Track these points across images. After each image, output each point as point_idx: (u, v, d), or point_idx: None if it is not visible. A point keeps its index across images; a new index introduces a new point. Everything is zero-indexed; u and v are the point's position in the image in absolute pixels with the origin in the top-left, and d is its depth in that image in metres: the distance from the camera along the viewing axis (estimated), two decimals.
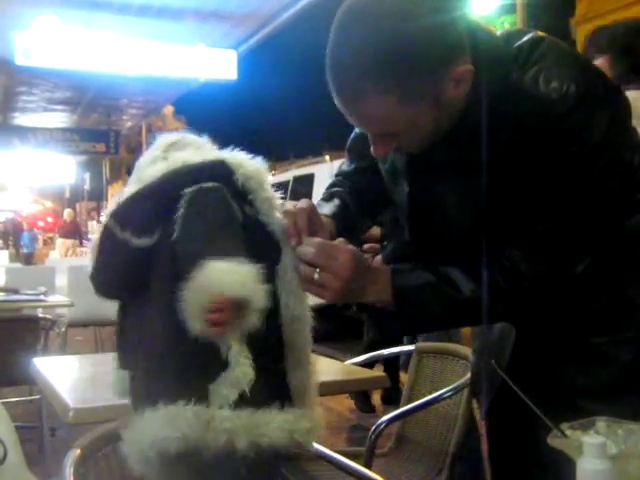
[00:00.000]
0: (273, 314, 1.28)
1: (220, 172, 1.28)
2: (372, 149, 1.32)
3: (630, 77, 2.31)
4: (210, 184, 1.26)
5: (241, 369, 1.21)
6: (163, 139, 1.42)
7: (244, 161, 1.30)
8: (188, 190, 1.25)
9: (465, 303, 1.31)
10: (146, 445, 1.21)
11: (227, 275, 1.16)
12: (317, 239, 1.32)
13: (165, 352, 1.25)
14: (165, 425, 1.19)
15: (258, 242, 1.29)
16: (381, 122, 1.25)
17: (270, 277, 1.27)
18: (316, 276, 1.29)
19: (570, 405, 1.32)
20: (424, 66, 1.19)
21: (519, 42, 1.30)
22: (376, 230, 5.15)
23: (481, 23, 1.31)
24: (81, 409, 1.80)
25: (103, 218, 1.32)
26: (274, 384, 1.28)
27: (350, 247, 1.33)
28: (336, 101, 1.26)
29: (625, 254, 1.35)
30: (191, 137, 1.42)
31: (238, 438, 1.19)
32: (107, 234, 1.29)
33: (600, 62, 2.33)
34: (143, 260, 1.28)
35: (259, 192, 1.30)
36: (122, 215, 1.30)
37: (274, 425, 1.22)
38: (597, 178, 1.24)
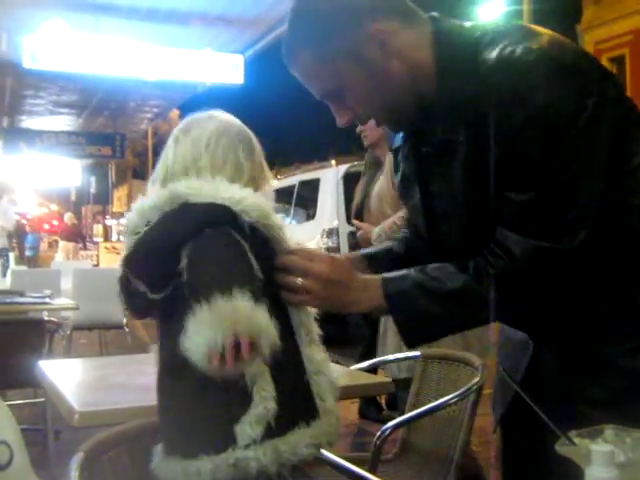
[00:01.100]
0: (290, 334, 1.32)
1: (224, 217, 1.29)
2: (336, 120, 1.40)
3: None
4: (213, 230, 1.27)
5: (264, 404, 1.24)
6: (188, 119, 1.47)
7: (245, 200, 1.31)
8: (192, 241, 1.26)
9: (452, 295, 1.30)
10: None
11: (238, 314, 1.18)
12: (296, 247, 1.36)
13: (189, 403, 1.29)
14: (195, 475, 1.24)
15: (269, 270, 1.32)
16: (313, 80, 1.36)
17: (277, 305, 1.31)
18: (298, 282, 1.32)
19: (583, 416, 1.28)
20: (332, 22, 1.30)
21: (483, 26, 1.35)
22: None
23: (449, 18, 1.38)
24: (86, 412, 1.80)
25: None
26: (300, 402, 1.31)
27: (331, 254, 1.39)
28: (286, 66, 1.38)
29: (634, 260, 1.32)
30: (212, 124, 1.44)
31: (268, 468, 1.23)
32: (124, 279, 1.34)
33: None
34: (162, 304, 1.32)
35: (267, 223, 1.32)
36: (133, 267, 1.33)
37: (303, 444, 1.26)
38: (565, 145, 1.22)
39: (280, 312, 1.30)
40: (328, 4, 1.32)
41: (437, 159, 1.37)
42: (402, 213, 3.35)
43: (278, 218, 1.35)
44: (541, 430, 1.08)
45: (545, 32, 1.32)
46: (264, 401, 1.24)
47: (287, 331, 1.32)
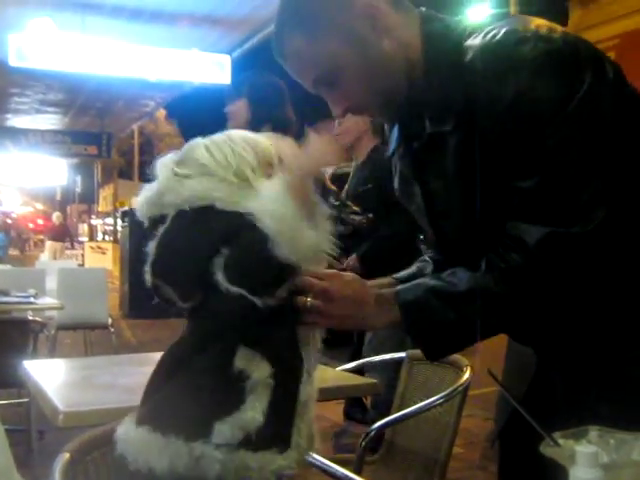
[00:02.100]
0: (300, 363, 1.29)
1: (246, 229, 1.23)
2: (332, 112, 1.38)
3: None
4: (243, 240, 1.22)
5: (252, 414, 1.20)
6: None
7: (270, 211, 1.24)
8: (224, 251, 1.21)
9: (465, 296, 1.24)
10: (134, 462, 1.21)
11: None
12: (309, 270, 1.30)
13: (185, 383, 1.25)
14: (156, 451, 1.19)
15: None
16: (305, 65, 1.33)
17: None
18: (308, 303, 1.27)
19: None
20: (319, 3, 1.30)
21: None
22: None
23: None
24: (71, 412, 1.79)
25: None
26: (282, 429, 1.27)
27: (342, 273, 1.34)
28: (276, 58, 1.37)
29: None
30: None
31: (227, 476, 1.19)
32: (154, 287, 1.29)
33: None
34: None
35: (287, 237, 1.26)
36: (162, 274, 1.28)
37: (270, 468, 1.22)
38: (562, 122, 1.17)
39: (294, 347, 1.29)
40: None
41: (428, 154, 1.34)
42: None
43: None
44: (539, 441, 1.05)
45: (535, 18, 1.29)
46: (254, 410, 1.21)
47: (299, 360, 1.29)
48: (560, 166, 1.18)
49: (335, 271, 1.33)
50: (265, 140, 1.35)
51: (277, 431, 1.26)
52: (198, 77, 9.88)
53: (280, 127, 3.41)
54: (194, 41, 9.62)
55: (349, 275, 1.35)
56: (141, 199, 1.31)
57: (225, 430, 1.19)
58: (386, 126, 1.58)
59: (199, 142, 1.33)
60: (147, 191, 1.31)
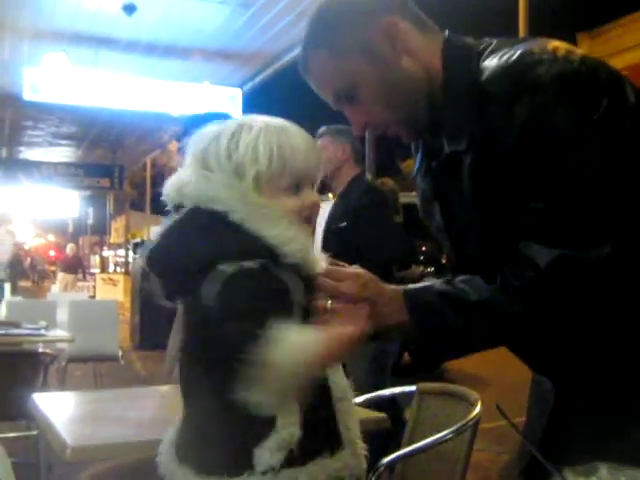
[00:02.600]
0: None
1: (262, 252, 1.20)
2: (352, 129, 1.42)
3: None
4: (251, 265, 1.17)
5: (288, 430, 1.17)
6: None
7: (288, 239, 1.21)
8: (226, 269, 1.16)
9: (477, 307, 1.24)
10: None
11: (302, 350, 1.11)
12: (326, 269, 1.31)
13: (212, 416, 1.22)
14: None
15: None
16: (329, 79, 1.36)
17: None
18: (328, 305, 1.28)
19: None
20: (344, 19, 1.34)
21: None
22: (416, 269, 5.17)
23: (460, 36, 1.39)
24: (79, 447, 1.78)
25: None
26: (324, 430, 1.25)
27: (357, 269, 1.33)
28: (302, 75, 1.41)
29: None
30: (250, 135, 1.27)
31: None
32: (143, 274, 1.28)
33: None
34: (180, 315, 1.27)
35: (307, 260, 1.25)
36: (156, 264, 1.25)
37: (323, 476, 1.20)
38: (575, 147, 1.16)
39: None
40: (341, 4, 1.37)
41: (447, 173, 1.35)
42: None
43: (314, 252, 1.29)
44: None
45: (554, 41, 1.28)
46: (288, 426, 1.17)
47: None
48: (573, 190, 1.17)
49: (352, 270, 1.33)
50: (313, 155, 1.31)
51: (321, 435, 1.23)
52: (210, 110, 9.96)
53: None
54: (206, 75, 9.73)
55: (365, 274, 1.34)
56: (169, 183, 1.29)
57: (265, 455, 1.16)
58: (412, 146, 1.58)
59: (242, 129, 1.27)
60: (176, 176, 1.29)
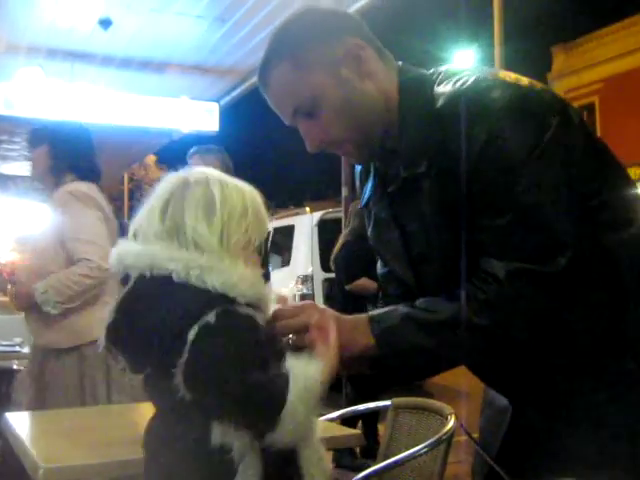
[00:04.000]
0: None
1: (223, 302, 1.22)
2: (306, 145, 1.42)
3: None
4: (215, 318, 1.18)
5: None
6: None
7: (240, 282, 1.24)
8: (192, 332, 1.17)
9: (444, 325, 1.26)
10: None
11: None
12: (276, 311, 1.33)
13: (175, 466, 1.22)
14: None
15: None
16: (289, 92, 1.37)
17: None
18: (290, 341, 1.30)
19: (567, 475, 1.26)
20: (312, 35, 1.36)
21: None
22: (372, 283, 5.17)
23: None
24: (51, 468, 1.76)
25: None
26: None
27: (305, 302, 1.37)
28: (260, 89, 1.42)
29: (614, 295, 1.27)
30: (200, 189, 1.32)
31: None
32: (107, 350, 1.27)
33: None
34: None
35: (263, 300, 1.29)
36: (116, 342, 1.26)
37: None
38: (527, 167, 1.21)
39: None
40: (310, 20, 1.38)
41: (404, 197, 1.38)
42: None
43: (265, 289, 1.31)
44: None
45: (501, 70, 1.36)
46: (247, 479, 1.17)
47: None
48: (526, 208, 1.22)
49: (307, 302, 1.36)
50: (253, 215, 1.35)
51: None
52: (187, 124, 9.95)
53: (84, 177, 3.40)
54: (183, 89, 9.71)
55: (312, 304, 1.37)
56: (112, 255, 1.31)
57: None
58: (357, 181, 1.62)
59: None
60: (117, 247, 1.31)
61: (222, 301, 1.21)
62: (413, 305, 1.32)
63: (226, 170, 3.99)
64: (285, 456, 1.23)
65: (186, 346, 1.16)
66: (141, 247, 1.27)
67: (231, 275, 1.24)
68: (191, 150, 3.93)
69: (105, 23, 7.66)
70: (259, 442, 1.17)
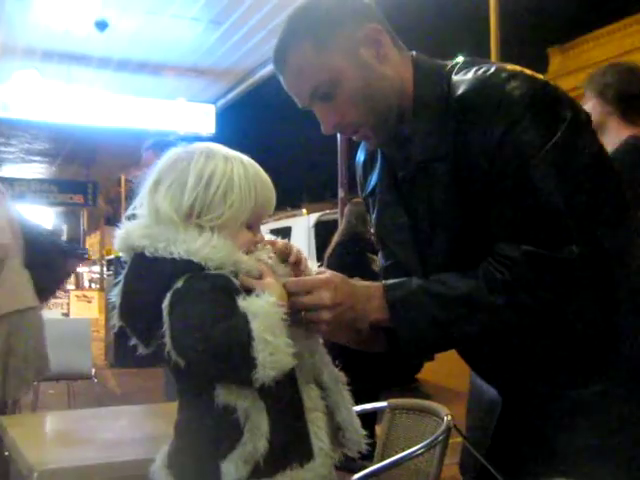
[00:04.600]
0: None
1: (191, 269, 1.24)
2: (322, 128, 1.42)
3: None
4: (182, 283, 1.23)
5: (254, 443, 1.20)
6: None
7: (210, 254, 1.25)
8: (165, 301, 1.22)
9: (459, 300, 1.28)
10: None
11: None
12: (292, 279, 1.32)
13: (187, 427, 1.28)
14: None
15: None
16: (307, 73, 1.36)
17: None
18: (302, 314, 1.29)
19: (559, 471, 1.27)
20: (332, 17, 1.36)
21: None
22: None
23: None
24: (46, 471, 1.76)
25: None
26: (294, 441, 1.26)
27: (328, 273, 1.34)
28: (275, 69, 1.41)
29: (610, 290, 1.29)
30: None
31: None
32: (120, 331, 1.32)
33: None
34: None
35: (240, 267, 1.28)
36: (124, 319, 1.31)
37: None
38: (546, 156, 1.24)
39: None
40: (329, 3, 1.39)
41: (415, 183, 1.39)
42: None
43: (249, 263, 1.29)
44: None
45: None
46: (255, 439, 1.20)
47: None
48: (542, 197, 1.24)
49: (318, 278, 1.33)
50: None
51: (291, 446, 1.24)
52: (184, 126, 9.96)
53: None
54: (179, 91, 9.73)
55: (333, 276, 1.34)
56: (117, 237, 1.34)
57: (231, 468, 1.19)
58: (359, 173, 1.62)
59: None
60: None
61: (190, 268, 1.23)
62: (430, 278, 1.33)
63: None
64: (292, 412, 1.26)
65: (164, 315, 1.21)
66: (122, 230, 1.32)
67: (194, 242, 1.26)
68: (145, 144, 3.78)
69: (101, 25, 7.67)
70: (250, 388, 1.19)
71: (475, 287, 1.27)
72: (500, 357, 1.41)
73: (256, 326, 1.16)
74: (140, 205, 1.36)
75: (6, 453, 3.96)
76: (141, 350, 1.29)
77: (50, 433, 2.39)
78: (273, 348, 1.16)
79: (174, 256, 1.24)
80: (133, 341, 1.30)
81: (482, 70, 1.31)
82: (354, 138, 1.46)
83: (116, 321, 1.31)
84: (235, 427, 1.20)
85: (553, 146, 1.24)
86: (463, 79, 1.33)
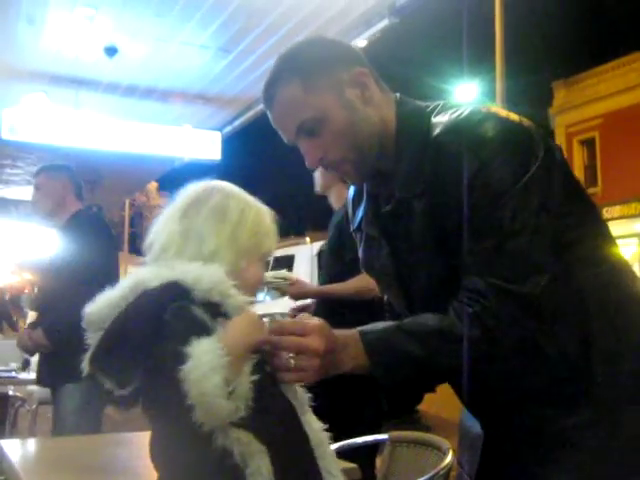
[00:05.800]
0: (288, 405, 1.27)
1: (177, 292, 1.23)
2: (306, 162, 1.47)
3: None
4: (172, 309, 1.20)
5: None
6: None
7: (201, 275, 1.25)
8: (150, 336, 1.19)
9: (434, 333, 1.32)
10: None
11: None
12: (282, 322, 1.34)
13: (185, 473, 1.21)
14: None
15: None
16: (294, 109, 1.43)
17: (272, 381, 1.26)
18: (292, 362, 1.29)
19: None
20: (322, 58, 1.44)
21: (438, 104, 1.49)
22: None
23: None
24: None
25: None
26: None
27: (315, 320, 1.35)
28: (264, 105, 1.48)
29: (582, 326, 1.34)
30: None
31: None
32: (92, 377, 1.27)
33: None
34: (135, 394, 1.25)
35: (227, 301, 1.26)
36: (101, 364, 1.25)
37: None
38: (514, 196, 1.30)
39: (274, 387, 1.26)
40: (320, 46, 1.48)
41: (396, 218, 1.45)
42: None
43: (238, 298, 1.28)
44: None
45: (493, 105, 1.45)
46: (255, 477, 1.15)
47: (284, 402, 1.27)
48: (512, 233, 1.30)
49: (315, 323, 1.34)
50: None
51: None
52: (189, 152, 10.00)
53: None
54: (185, 118, 9.78)
55: (325, 324, 1.36)
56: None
57: None
58: (349, 207, 1.69)
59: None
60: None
61: (180, 293, 1.22)
62: (402, 321, 1.38)
63: (76, 191, 3.97)
64: (301, 457, 1.23)
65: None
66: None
67: (192, 270, 1.27)
68: (37, 169, 3.82)
69: (111, 51, 7.74)
70: (201, 431, 1.13)
71: (447, 321, 1.32)
72: (480, 390, 1.43)
73: (193, 370, 1.11)
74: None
75: (2, 478, 3.96)
76: (117, 392, 1.24)
77: (48, 459, 2.37)
78: (212, 391, 1.12)
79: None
80: (108, 385, 1.25)
81: (457, 112, 1.38)
82: (336, 173, 1.52)
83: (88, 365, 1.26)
84: (237, 473, 1.16)
85: (524, 185, 1.29)
86: (440, 121, 1.39)
